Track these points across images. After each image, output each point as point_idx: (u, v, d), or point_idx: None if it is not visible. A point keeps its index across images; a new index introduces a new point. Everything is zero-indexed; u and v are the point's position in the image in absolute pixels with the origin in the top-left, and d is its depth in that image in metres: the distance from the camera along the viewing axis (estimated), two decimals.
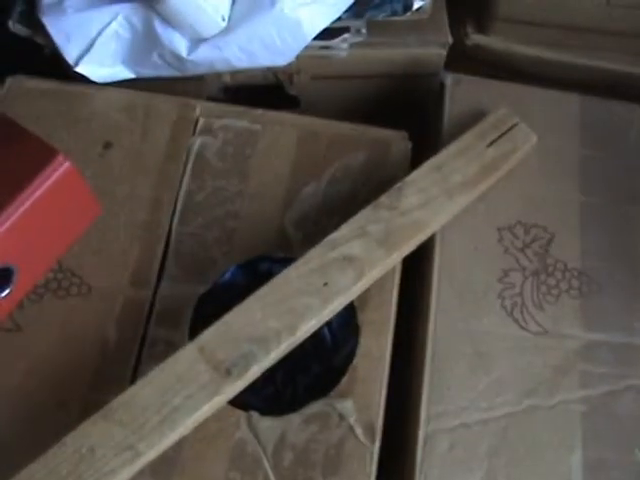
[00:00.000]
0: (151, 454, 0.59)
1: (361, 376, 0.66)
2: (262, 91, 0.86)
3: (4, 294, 0.66)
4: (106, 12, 0.76)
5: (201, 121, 0.77)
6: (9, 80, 0.80)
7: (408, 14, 0.78)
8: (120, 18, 0.76)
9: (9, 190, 0.64)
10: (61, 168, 0.64)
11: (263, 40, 0.74)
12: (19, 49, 0.84)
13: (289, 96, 0.86)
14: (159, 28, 0.75)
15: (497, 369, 0.67)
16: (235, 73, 0.82)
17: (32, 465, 0.57)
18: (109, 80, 0.79)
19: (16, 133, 0.67)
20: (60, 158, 0.64)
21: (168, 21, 0.74)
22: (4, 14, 0.82)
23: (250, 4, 0.74)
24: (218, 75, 0.82)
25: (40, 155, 0.65)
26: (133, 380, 0.65)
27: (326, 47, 0.79)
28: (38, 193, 0.64)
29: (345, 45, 0.80)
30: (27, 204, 0.64)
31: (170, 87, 0.81)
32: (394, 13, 0.78)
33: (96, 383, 0.66)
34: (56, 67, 0.83)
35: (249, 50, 0.74)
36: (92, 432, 0.59)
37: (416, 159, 0.75)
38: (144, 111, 0.78)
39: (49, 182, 0.64)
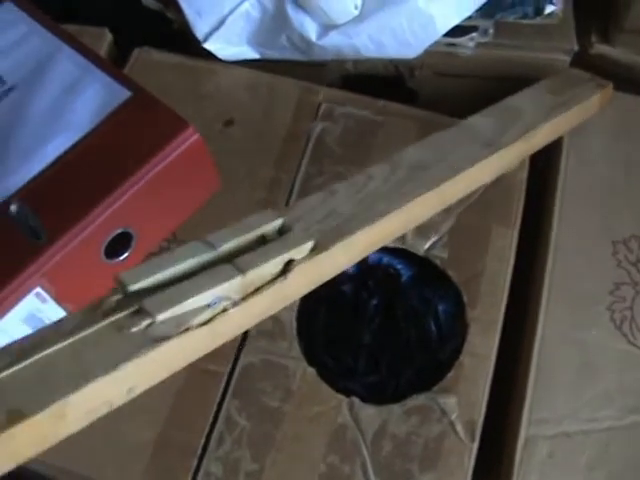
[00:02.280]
0: None
1: (466, 373, 0.66)
2: (380, 82, 0.86)
3: (122, 257, 0.67)
4: None
5: (323, 106, 0.77)
6: (136, 51, 0.82)
7: (538, 18, 0.78)
8: None
9: (138, 157, 0.65)
10: (190, 139, 0.66)
11: (394, 31, 0.74)
12: (148, 22, 0.86)
13: (407, 89, 0.86)
14: (291, 11, 0.76)
15: (602, 381, 0.66)
16: (358, 62, 0.82)
17: None
18: (234, 59, 0.81)
19: (148, 102, 0.68)
20: (190, 130, 0.65)
21: (301, 5, 0.74)
22: None
23: None
24: (340, 63, 0.83)
25: (171, 125, 0.66)
26: None
27: (452, 44, 0.80)
28: (165, 162, 0.65)
29: (471, 44, 0.80)
30: (154, 172, 0.65)
31: (291, 71, 0.82)
32: (525, 16, 0.78)
33: None
34: (181, 42, 0.84)
35: (379, 40, 0.75)
36: None
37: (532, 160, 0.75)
38: (267, 91, 0.79)
39: (177, 152, 0.65)
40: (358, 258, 0.53)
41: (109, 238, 0.65)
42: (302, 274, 0.47)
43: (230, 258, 0.45)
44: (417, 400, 0.65)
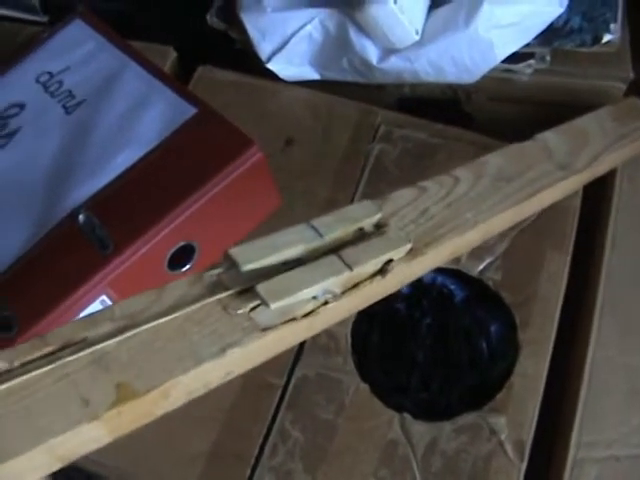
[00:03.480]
0: None
1: (516, 394, 0.67)
2: (436, 105, 0.87)
3: (185, 269, 0.69)
4: (303, 14, 0.79)
5: (382, 128, 0.79)
6: (200, 69, 0.85)
7: (595, 46, 0.79)
8: (316, 21, 0.79)
9: (203, 172, 0.67)
10: (254, 157, 0.68)
11: (453, 57, 0.76)
12: (211, 41, 0.88)
13: (463, 113, 0.87)
14: (353, 35, 0.77)
15: None
16: (415, 85, 0.84)
17: None
18: (295, 79, 0.83)
19: (213, 119, 0.71)
20: (254, 148, 0.67)
21: (364, 29, 0.76)
22: (203, 8, 0.86)
23: (445, 21, 0.76)
24: (398, 86, 0.84)
25: (235, 143, 0.68)
26: None
27: (509, 70, 0.81)
28: (229, 179, 0.67)
29: (528, 70, 0.81)
30: (218, 188, 0.67)
31: (348, 92, 0.84)
32: (582, 44, 0.79)
33: None
34: (242, 61, 0.86)
35: (438, 65, 0.76)
36: None
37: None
38: (327, 112, 0.80)
39: (241, 169, 0.67)
40: (441, 264, 0.54)
41: (173, 250, 0.67)
42: (396, 274, 0.47)
43: (335, 249, 0.45)
44: (467, 418, 0.66)
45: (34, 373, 0.34)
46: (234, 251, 0.42)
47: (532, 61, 0.81)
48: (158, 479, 0.66)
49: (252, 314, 0.40)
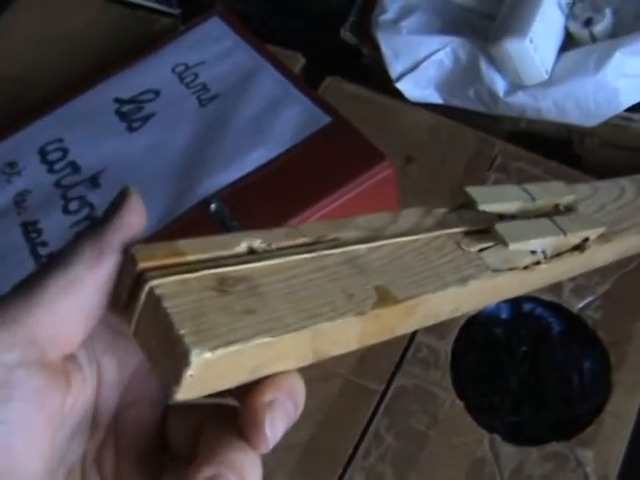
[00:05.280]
0: None
1: (605, 431, 0.69)
2: (546, 142, 0.90)
3: None
4: (437, 40, 0.83)
5: (499, 159, 0.82)
6: (328, 79, 0.88)
7: None
8: (448, 49, 0.82)
9: (333, 179, 0.70)
10: (385, 172, 0.70)
11: (578, 100, 0.79)
12: (340, 55, 0.91)
13: (573, 154, 0.90)
14: (483, 66, 0.81)
15: None
16: (532, 122, 0.87)
17: None
18: (420, 101, 0.86)
19: (347, 129, 0.74)
20: (387, 162, 0.70)
21: (495, 62, 0.79)
22: (337, 20, 0.90)
23: (574, 65, 0.79)
24: (515, 120, 0.87)
25: (368, 154, 0.71)
26: None
27: (629, 119, 0.83)
28: (359, 189, 0.70)
29: None
30: (347, 197, 0.69)
31: (465, 118, 0.86)
32: None
33: None
34: (365, 77, 0.90)
35: (562, 105, 0.79)
36: None
37: None
38: (447, 136, 0.84)
39: (371, 181, 0.70)
40: (612, 260, 0.54)
41: None
42: (589, 254, 0.47)
43: (547, 214, 0.46)
44: (555, 447, 0.69)
45: (294, 257, 0.33)
46: (470, 189, 0.44)
47: None
48: None
49: (482, 254, 0.41)
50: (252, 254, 0.32)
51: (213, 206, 0.71)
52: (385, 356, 0.72)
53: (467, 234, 0.41)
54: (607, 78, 0.77)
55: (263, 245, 0.33)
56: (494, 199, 0.44)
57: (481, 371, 0.74)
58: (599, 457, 0.68)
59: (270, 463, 0.69)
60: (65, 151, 0.80)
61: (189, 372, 0.27)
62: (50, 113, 0.85)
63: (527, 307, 0.76)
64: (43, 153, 0.81)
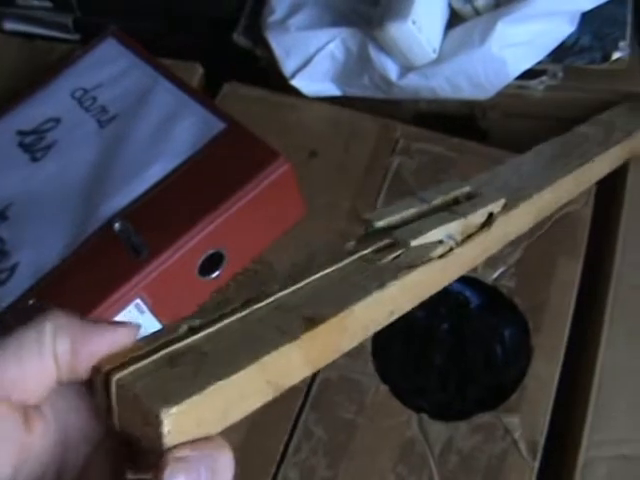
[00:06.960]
0: None
1: (529, 396, 0.70)
2: (451, 120, 0.91)
3: (214, 275, 0.73)
4: (325, 33, 0.83)
5: (401, 142, 0.83)
6: (226, 86, 0.88)
7: (606, 64, 0.83)
8: (338, 40, 0.83)
9: (232, 183, 0.71)
10: (281, 169, 0.71)
11: (469, 74, 0.79)
12: (236, 58, 0.92)
13: (478, 129, 0.91)
14: (373, 53, 0.81)
15: None
16: (432, 102, 0.87)
17: None
18: (317, 95, 0.86)
19: (242, 133, 0.74)
20: (281, 159, 0.71)
21: (384, 48, 0.80)
22: (229, 27, 0.90)
23: (460, 40, 0.79)
24: (415, 102, 0.88)
25: (263, 155, 0.72)
26: None
27: (522, 87, 0.84)
28: (258, 189, 0.71)
29: (541, 87, 0.85)
30: (246, 198, 0.71)
31: (368, 107, 0.87)
32: (592, 61, 0.83)
33: None
34: (264, 79, 0.90)
35: (454, 82, 0.80)
36: None
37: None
38: (349, 126, 0.84)
39: (269, 180, 0.71)
40: (531, 224, 0.59)
41: (203, 257, 0.71)
42: (498, 226, 0.52)
43: (444, 209, 0.51)
44: (482, 418, 0.69)
45: (229, 319, 0.37)
46: (368, 215, 0.49)
47: (544, 78, 0.84)
48: None
49: (395, 261, 0.45)
50: (192, 330, 0.36)
51: (117, 225, 0.71)
52: None
53: (378, 251, 0.46)
54: (492, 50, 0.78)
55: (199, 321, 0.37)
56: (389, 214, 0.49)
57: (404, 354, 0.75)
58: (525, 422, 0.69)
59: None
60: None
61: (166, 429, 0.31)
62: None
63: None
64: None
